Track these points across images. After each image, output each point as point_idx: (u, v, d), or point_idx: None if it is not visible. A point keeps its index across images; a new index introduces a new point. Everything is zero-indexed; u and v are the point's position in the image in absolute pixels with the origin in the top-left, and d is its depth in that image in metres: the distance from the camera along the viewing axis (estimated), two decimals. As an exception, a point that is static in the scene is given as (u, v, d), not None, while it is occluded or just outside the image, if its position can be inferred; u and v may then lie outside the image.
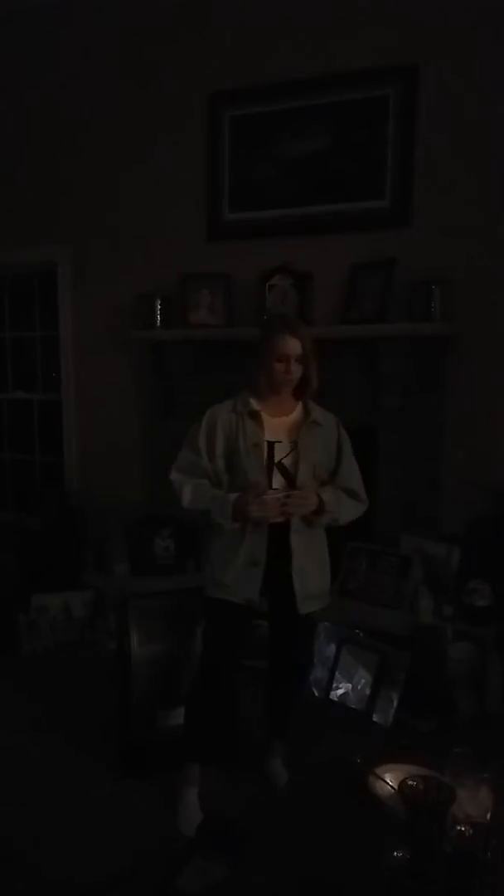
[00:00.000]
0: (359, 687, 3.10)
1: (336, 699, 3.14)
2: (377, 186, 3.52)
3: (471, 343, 3.39)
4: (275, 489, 2.27)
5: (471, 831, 1.39)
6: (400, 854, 1.38)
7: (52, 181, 4.26)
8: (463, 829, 1.40)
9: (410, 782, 1.49)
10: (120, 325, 4.10)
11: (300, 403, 2.41)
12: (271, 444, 2.32)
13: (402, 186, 3.46)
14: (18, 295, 4.70)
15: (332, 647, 3.23)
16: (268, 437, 2.32)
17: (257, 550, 2.30)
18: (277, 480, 2.30)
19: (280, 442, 2.33)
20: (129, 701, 2.69)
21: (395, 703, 2.98)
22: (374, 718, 2.99)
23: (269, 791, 2.52)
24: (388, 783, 1.69)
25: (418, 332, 3.37)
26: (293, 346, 2.28)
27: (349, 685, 3.13)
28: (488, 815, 1.53)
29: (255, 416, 2.33)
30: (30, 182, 4.33)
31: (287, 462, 2.32)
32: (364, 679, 3.10)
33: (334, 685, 3.17)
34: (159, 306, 3.89)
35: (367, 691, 3.06)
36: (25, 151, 4.33)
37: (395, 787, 1.58)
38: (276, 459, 2.31)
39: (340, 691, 3.15)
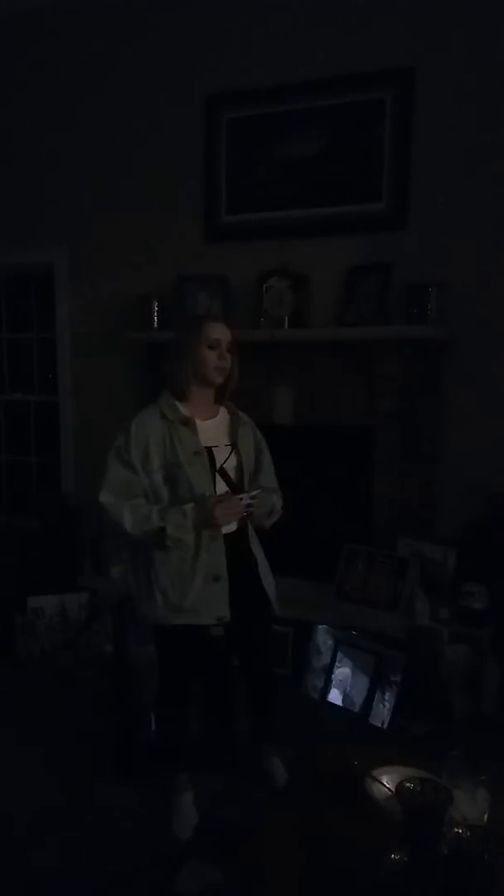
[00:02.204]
0: (355, 689, 3.10)
1: (332, 701, 3.14)
2: (374, 189, 3.53)
3: (468, 346, 3.40)
4: (224, 493, 2.21)
5: (468, 834, 1.39)
6: (397, 857, 1.38)
7: (49, 182, 4.27)
8: (460, 831, 1.40)
9: (408, 785, 1.49)
10: (117, 327, 4.10)
11: (220, 406, 2.35)
12: (209, 450, 2.23)
13: (399, 189, 3.47)
14: (15, 296, 4.70)
15: (329, 650, 3.23)
16: (204, 442, 2.22)
17: (217, 564, 2.18)
18: (220, 486, 2.23)
19: (217, 447, 2.25)
20: (126, 703, 2.69)
21: (392, 705, 2.98)
22: (371, 721, 2.99)
23: (267, 792, 2.52)
24: (385, 785, 1.69)
25: (415, 335, 3.38)
26: (223, 330, 2.24)
27: (345, 687, 3.13)
28: (485, 818, 1.53)
29: (187, 422, 2.21)
30: (26, 183, 4.33)
31: (228, 466, 2.26)
32: (360, 681, 3.10)
33: (330, 688, 3.17)
34: (156, 308, 3.89)
35: (364, 694, 3.06)
36: (22, 152, 4.33)
37: (393, 789, 1.58)
38: (217, 465, 2.23)
39: (336, 694, 3.15)
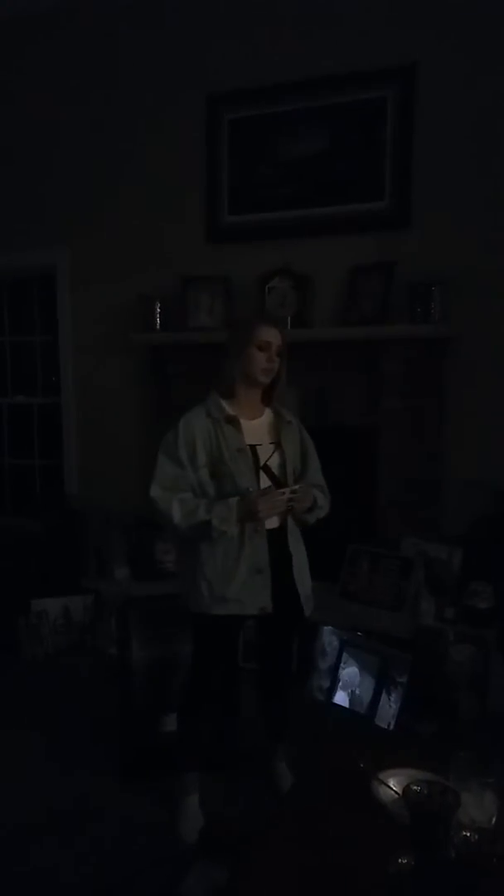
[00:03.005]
0: (360, 690, 3.09)
1: (338, 703, 3.13)
2: (376, 188, 3.53)
3: (471, 344, 3.39)
4: (267, 488, 2.25)
5: (476, 837, 1.37)
6: (404, 860, 1.37)
7: (51, 184, 4.27)
8: (468, 834, 1.39)
9: (414, 787, 1.48)
10: (119, 329, 4.10)
11: (267, 407, 2.39)
12: (253, 448, 2.29)
13: (401, 188, 3.46)
14: (17, 299, 4.69)
15: (334, 650, 3.22)
16: (249, 440, 2.28)
17: (260, 556, 2.25)
18: (263, 483, 2.28)
19: (261, 445, 2.31)
20: (130, 705, 2.68)
21: (397, 706, 2.96)
22: (377, 722, 2.98)
23: (273, 795, 2.51)
24: (391, 788, 1.68)
25: (418, 334, 3.37)
26: (275, 334, 2.28)
27: (350, 688, 3.12)
28: (493, 820, 1.52)
29: (232, 421, 2.27)
30: (28, 185, 4.33)
31: (272, 464, 2.31)
32: (365, 682, 3.08)
33: (336, 689, 3.15)
34: (158, 309, 3.89)
35: (369, 694, 3.04)
36: (23, 154, 4.33)
37: (399, 791, 1.56)
38: (262, 462, 2.29)
39: (342, 695, 3.13)
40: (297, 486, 2.26)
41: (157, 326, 3.90)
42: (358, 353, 3.52)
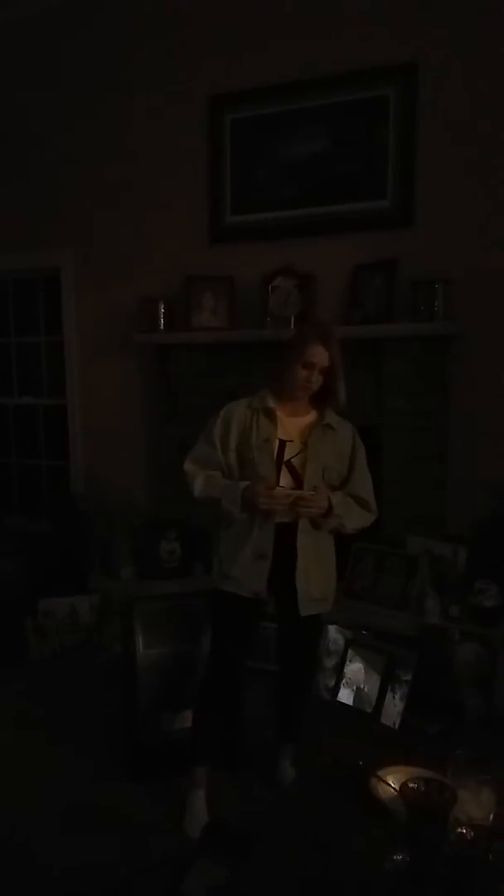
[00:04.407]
0: (365, 688, 3.09)
1: (343, 701, 3.13)
2: (379, 187, 3.52)
3: (475, 342, 3.38)
4: (281, 486, 2.29)
5: (472, 834, 1.38)
6: (400, 857, 1.37)
7: (55, 186, 4.29)
8: (465, 831, 1.39)
9: (412, 784, 1.48)
10: (124, 329, 4.12)
11: (314, 410, 2.43)
12: (283, 442, 2.34)
13: (404, 186, 3.46)
14: (23, 300, 4.72)
15: (339, 649, 3.22)
16: (280, 435, 2.35)
17: (264, 543, 2.32)
18: (285, 478, 2.32)
19: (291, 441, 2.35)
20: (136, 704, 2.69)
21: (402, 704, 2.97)
22: (382, 720, 2.98)
23: (275, 792, 2.51)
24: (390, 785, 1.68)
25: (422, 332, 3.37)
26: (321, 355, 2.31)
27: (356, 686, 3.12)
28: (490, 818, 1.52)
29: (269, 413, 2.36)
30: (33, 187, 4.36)
31: (296, 461, 2.34)
32: (371, 680, 3.08)
33: (341, 687, 3.16)
34: (163, 310, 3.90)
35: (374, 693, 3.05)
36: (28, 156, 4.35)
37: (397, 789, 1.57)
38: (286, 458, 2.33)
39: (347, 693, 3.14)
40: (308, 491, 2.27)
41: (162, 327, 3.91)
42: (361, 351, 3.51)
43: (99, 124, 4.13)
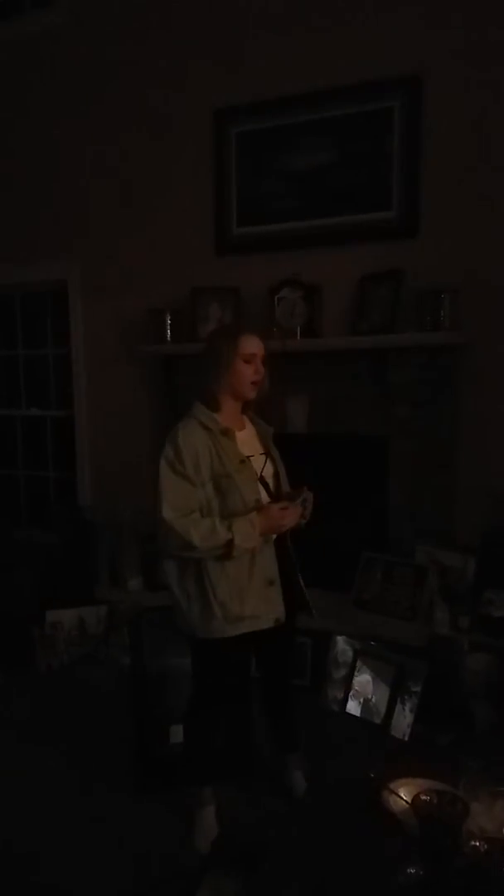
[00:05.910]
0: (375, 699, 3.07)
1: (352, 713, 3.12)
2: (384, 198, 3.53)
3: (481, 351, 3.38)
4: (270, 499, 2.25)
5: (485, 846, 1.37)
6: (413, 870, 1.36)
7: (61, 199, 4.31)
8: (477, 843, 1.38)
9: (424, 797, 1.48)
10: (131, 341, 4.13)
11: (245, 416, 2.35)
12: (248, 459, 2.24)
13: (409, 197, 3.46)
14: (30, 313, 4.75)
15: (348, 660, 3.21)
16: (246, 452, 2.24)
17: (271, 568, 2.23)
18: (263, 494, 2.24)
19: (253, 456, 2.26)
20: (144, 716, 2.68)
21: (412, 715, 2.95)
22: (392, 732, 2.96)
23: (285, 804, 2.50)
24: (401, 798, 1.67)
25: (428, 342, 3.37)
26: (257, 343, 2.23)
27: (364, 698, 3.10)
28: (503, 830, 1.51)
29: (227, 433, 2.20)
30: (39, 201, 4.38)
31: (266, 474, 2.28)
32: (380, 692, 3.07)
33: (349, 698, 3.14)
34: (169, 321, 3.91)
35: (384, 704, 3.03)
36: (34, 170, 4.38)
37: (409, 801, 1.56)
38: (258, 474, 2.24)
39: (356, 704, 3.12)
40: (306, 495, 2.25)
41: (168, 338, 3.92)
42: (368, 361, 3.52)
43: (105, 138, 4.16)
